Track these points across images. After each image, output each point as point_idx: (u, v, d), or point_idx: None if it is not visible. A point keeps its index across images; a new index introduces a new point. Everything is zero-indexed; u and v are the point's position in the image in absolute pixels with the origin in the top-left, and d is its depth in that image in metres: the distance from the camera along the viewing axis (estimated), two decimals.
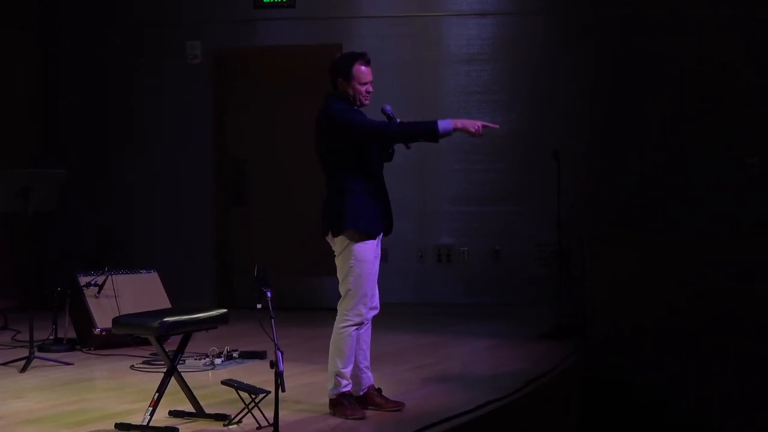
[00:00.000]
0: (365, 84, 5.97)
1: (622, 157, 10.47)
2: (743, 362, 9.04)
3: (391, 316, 10.09)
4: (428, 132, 5.83)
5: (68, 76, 11.37)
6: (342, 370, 6.03)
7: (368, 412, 6.13)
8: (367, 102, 6.01)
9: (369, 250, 5.91)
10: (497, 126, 6.04)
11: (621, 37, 10.50)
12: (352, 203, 5.88)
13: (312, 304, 10.70)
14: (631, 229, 10.31)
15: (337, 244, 5.97)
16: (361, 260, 5.89)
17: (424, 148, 10.59)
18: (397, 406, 6.21)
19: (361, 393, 6.20)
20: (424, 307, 10.54)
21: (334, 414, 6.09)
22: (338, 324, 6.02)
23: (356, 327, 6.01)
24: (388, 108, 6.06)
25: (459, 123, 5.87)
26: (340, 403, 6.06)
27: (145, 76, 11.22)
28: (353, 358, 6.05)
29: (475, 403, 6.28)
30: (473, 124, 5.90)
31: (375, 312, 6.17)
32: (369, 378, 6.22)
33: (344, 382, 6.05)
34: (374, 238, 5.95)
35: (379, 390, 6.26)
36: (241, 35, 11.06)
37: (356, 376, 6.17)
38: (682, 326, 9.18)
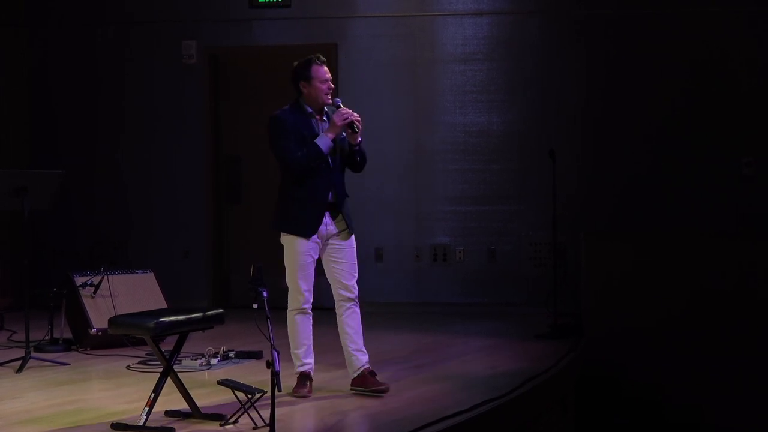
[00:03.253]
0: (325, 81, 6.58)
1: (617, 157, 10.48)
2: (739, 360, 9.07)
3: (387, 316, 10.15)
4: (317, 153, 6.45)
5: (61, 75, 11.34)
6: (295, 352, 6.61)
7: (367, 409, 6.17)
8: (328, 100, 6.59)
9: (297, 243, 6.51)
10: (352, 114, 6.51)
11: (615, 37, 10.51)
12: (280, 205, 6.60)
13: None
14: (626, 229, 10.32)
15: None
16: (291, 250, 6.53)
17: (419, 148, 10.72)
18: (382, 386, 6.60)
19: (356, 375, 6.61)
20: (420, 307, 10.54)
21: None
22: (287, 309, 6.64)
23: (297, 312, 6.58)
24: (338, 101, 6.63)
25: (330, 132, 6.50)
26: (296, 382, 6.58)
27: (139, 76, 11.21)
28: (304, 341, 6.59)
29: (473, 402, 6.28)
30: (338, 118, 6.47)
31: (350, 301, 6.70)
32: (360, 360, 6.63)
33: (297, 362, 6.60)
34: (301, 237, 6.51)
35: (372, 372, 6.63)
36: (236, 35, 11.05)
37: (348, 360, 6.67)
38: (677, 325, 9.21)
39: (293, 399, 6.47)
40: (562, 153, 9.64)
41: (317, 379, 6.96)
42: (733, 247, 9.32)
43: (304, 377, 6.61)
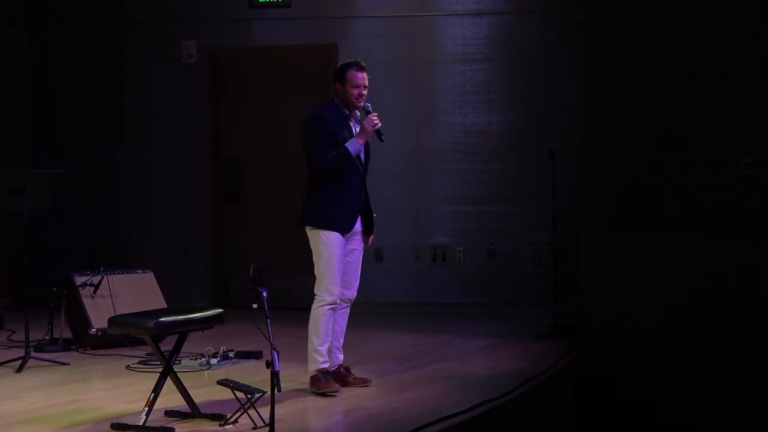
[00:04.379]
0: (357, 87, 6.69)
1: (617, 157, 10.48)
2: (738, 360, 9.07)
3: (386, 316, 10.15)
4: (346, 157, 6.58)
5: (61, 75, 11.34)
6: (318, 348, 6.60)
7: (367, 409, 6.16)
8: (360, 103, 6.70)
9: (333, 237, 6.60)
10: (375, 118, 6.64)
11: (615, 37, 10.51)
12: (315, 203, 6.65)
13: (307, 304, 10.61)
14: (626, 229, 10.32)
15: (307, 232, 6.69)
16: (327, 244, 6.59)
17: (419, 148, 10.72)
18: (365, 382, 6.84)
19: (331, 371, 6.76)
20: (420, 307, 10.54)
21: (311, 390, 6.57)
22: (313, 305, 6.66)
23: (329, 306, 6.62)
24: (368, 106, 6.75)
25: (360, 138, 6.65)
26: (318, 379, 6.59)
27: (139, 76, 11.21)
28: (329, 337, 6.64)
29: (472, 402, 6.28)
30: (369, 125, 6.62)
31: (349, 300, 6.82)
32: (338, 358, 6.83)
33: (321, 359, 6.61)
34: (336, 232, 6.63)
35: (347, 369, 6.86)
36: (236, 35, 11.05)
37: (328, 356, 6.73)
38: (676, 325, 9.21)
39: (293, 399, 6.45)
40: (561, 153, 9.64)
41: None
42: (733, 247, 9.31)
43: (327, 374, 6.63)
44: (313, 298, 6.68)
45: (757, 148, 10.28)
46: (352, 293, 6.84)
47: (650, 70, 10.43)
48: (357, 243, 6.80)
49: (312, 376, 6.63)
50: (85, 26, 11.30)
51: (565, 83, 10.59)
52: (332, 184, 6.62)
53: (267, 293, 5.50)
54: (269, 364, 5.24)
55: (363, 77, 6.71)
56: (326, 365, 6.63)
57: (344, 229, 6.65)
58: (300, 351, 8.00)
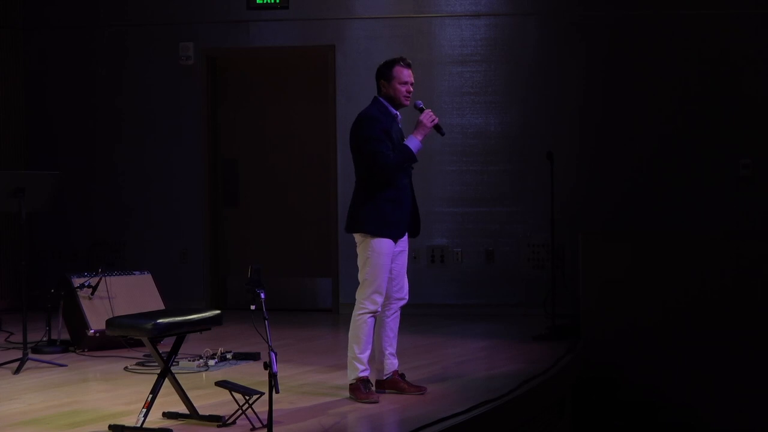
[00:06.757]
0: (405, 84, 6.44)
1: (616, 158, 10.47)
2: (738, 360, 9.06)
3: None
4: (410, 156, 6.38)
5: (58, 76, 11.33)
6: (359, 356, 6.40)
7: (365, 410, 6.18)
8: (407, 102, 6.49)
9: (385, 245, 6.37)
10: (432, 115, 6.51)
11: (613, 38, 10.50)
12: (369, 207, 6.40)
13: (305, 305, 10.69)
14: (625, 230, 10.31)
15: (356, 237, 6.48)
16: (378, 252, 6.36)
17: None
18: (420, 390, 6.60)
19: (385, 377, 6.58)
20: (418, 309, 10.48)
21: (351, 398, 6.40)
22: (355, 312, 6.45)
23: (371, 314, 6.40)
24: (419, 103, 6.60)
25: (419, 134, 6.43)
26: (357, 388, 6.41)
27: (136, 77, 11.19)
28: (370, 345, 6.43)
29: (470, 404, 6.28)
30: (427, 119, 6.44)
31: (402, 302, 6.61)
32: (393, 364, 6.60)
33: (361, 367, 6.40)
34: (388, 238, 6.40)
35: (402, 375, 6.63)
36: (233, 36, 11.03)
37: (381, 362, 6.58)
38: (675, 325, 9.20)
39: (290, 401, 6.45)
40: (560, 154, 9.63)
41: (315, 380, 6.96)
42: (733, 247, 9.30)
43: (367, 382, 6.46)
44: (355, 305, 6.47)
45: (757, 148, 10.28)
46: (403, 295, 6.59)
47: (649, 70, 10.42)
48: (403, 244, 6.55)
49: (351, 385, 6.45)
50: (82, 28, 11.29)
51: (563, 84, 10.58)
52: (386, 187, 6.37)
53: (265, 295, 5.48)
54: (267, 366, 5.23)
55: (409, 74, 6.46)
56: (366, 373, 6.42)
57: (398, 235, 6.43)
58: (298, 352, 8.03)
